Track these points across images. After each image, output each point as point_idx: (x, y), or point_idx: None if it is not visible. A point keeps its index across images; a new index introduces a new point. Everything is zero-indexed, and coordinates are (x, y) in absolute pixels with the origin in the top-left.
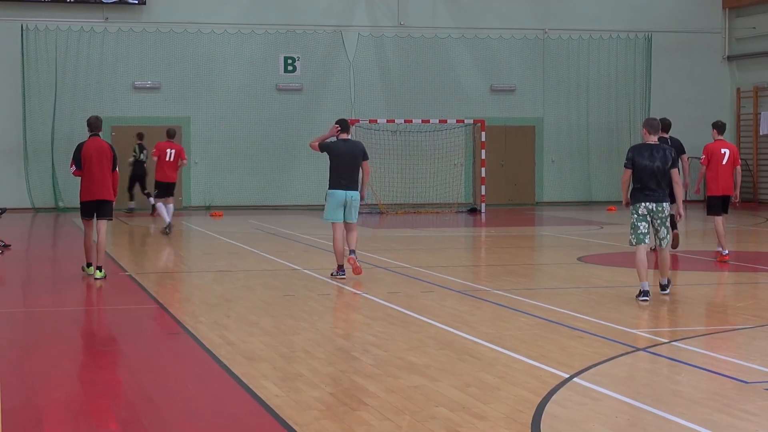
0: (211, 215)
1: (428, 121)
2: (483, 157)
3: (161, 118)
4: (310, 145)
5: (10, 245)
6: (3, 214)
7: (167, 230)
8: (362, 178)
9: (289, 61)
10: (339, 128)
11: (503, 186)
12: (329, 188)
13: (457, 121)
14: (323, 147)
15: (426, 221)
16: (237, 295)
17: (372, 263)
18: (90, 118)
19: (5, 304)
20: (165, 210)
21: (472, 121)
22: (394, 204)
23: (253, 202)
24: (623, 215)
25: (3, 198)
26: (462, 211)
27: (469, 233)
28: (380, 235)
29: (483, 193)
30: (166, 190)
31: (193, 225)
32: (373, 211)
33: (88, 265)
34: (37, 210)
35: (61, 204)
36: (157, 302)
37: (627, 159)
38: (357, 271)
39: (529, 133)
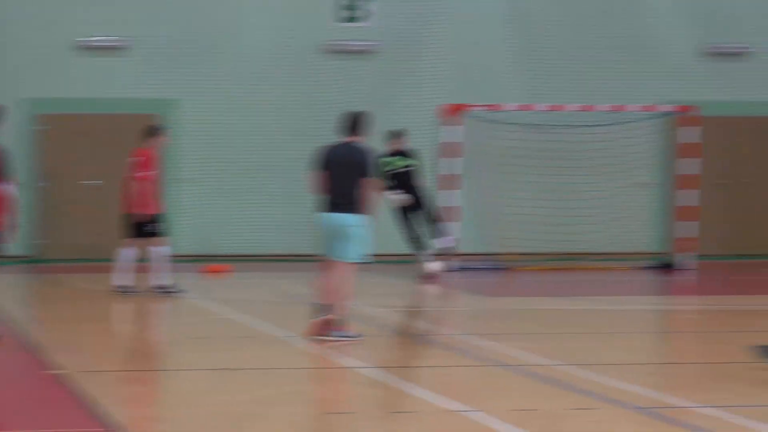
0: (205, 270)
1: (592, 108)
2: (693, 171)
3: (128, 102)
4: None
5: None
6: None
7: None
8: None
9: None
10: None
11: (728, 225)
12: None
13: (644, 108)
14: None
15: (586, 285)
16: (251, 412)
17: (490, 358)
18: None
19: None
20: (126, 260)
21: (670, 108)
22: (530, 254)
23: (291, 249)
24: None
25: None
26: (650, 268)
27: (660, 308)
28: (504, 307)
29: (690, 236)
30: (136, 228)
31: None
32: (491, 266)
33: None
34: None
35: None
36: (106, 426)
37: None
38: (314, 331)
39: None
